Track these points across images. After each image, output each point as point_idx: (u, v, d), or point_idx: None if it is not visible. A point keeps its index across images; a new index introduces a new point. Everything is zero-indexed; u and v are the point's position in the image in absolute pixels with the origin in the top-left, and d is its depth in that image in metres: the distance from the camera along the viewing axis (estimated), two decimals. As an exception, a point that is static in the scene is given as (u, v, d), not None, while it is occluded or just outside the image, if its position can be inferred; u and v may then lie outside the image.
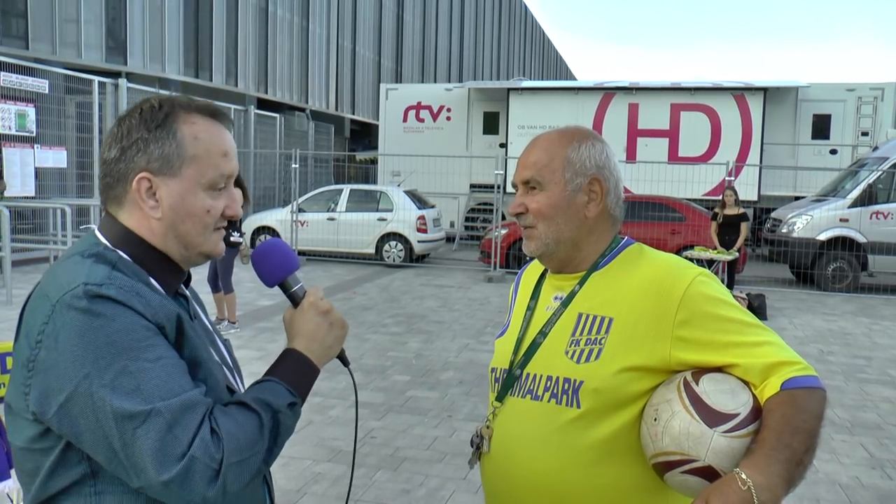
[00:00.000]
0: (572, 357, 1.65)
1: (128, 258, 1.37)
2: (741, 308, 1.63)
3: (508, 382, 1.76)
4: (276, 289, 1.58)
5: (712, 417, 1.48)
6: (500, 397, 1.77)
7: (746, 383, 1.54)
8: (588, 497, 1.62)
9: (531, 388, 1.71)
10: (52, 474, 1.28)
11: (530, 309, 1.83)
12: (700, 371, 1.56)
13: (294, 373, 1.44)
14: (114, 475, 1.27)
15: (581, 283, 1.74)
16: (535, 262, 1.91)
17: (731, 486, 1.39)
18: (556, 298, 1.77)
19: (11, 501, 2.54)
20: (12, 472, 2.46)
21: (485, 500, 1.86)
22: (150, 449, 1.20)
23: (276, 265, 1.56)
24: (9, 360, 2.56)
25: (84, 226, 13.64)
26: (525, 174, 1.77)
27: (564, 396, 1.64)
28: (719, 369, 1.57)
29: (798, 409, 1.48)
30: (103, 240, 1.40)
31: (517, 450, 1.70)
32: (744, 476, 1.39)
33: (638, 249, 1.78)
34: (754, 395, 1.52)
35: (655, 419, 1.54)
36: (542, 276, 1.87)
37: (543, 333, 1.74)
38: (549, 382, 1.67)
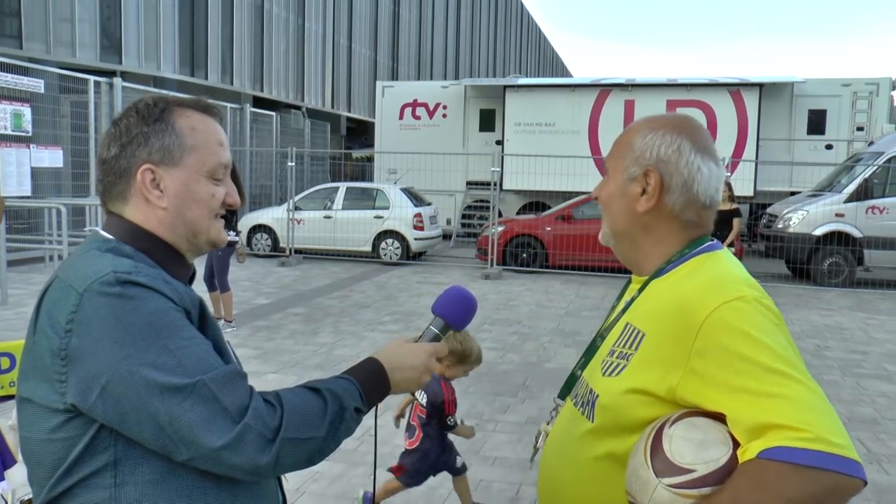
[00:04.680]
0: (603, 368, 1.57)
1: (140, 252, 1.40)
2: (776, 350, 1.34)
3: (570, 382, 1.72)
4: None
5: (663, 466, 1.31)
6: (562, 395, 1.74)
7: (735, 440, 1.32)
8: None
9: (578, 391, 1.66)
10: (77, 463, 1.29)
11: (612, 308, 1.77)
12: (690, 413, 1.38)
13: (373, 383, 1.48)
14: (136, 468, 1.29)
15: (640, 290, 1.61)
16: None
17: None
18: (627, 303, 1.66)
19: (6, 502, 2.54)
20: (7, 473, 2.46)
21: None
22: (200, 419, 1.23)
23: (467, 319, 1.67)
24: (3, 361, 2.55)
25: (88, 227, 13.63)
26: (606, 158, 1.69)
27: (586, 408, 1.57)
28: (716, 416, 1.36)
29: (758, 486, 1.23)
30: (111, 238, 1.42)
31: (547, 454, 1.68)
32: None
33: (706, 258, 1.57)
34: (734, 457, 1.30)
35: (633, 451, 1.42)
36: None
37: (602, 337, 1.66)
38: (585, 390, 1.61)
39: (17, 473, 2.53)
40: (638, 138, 1.59)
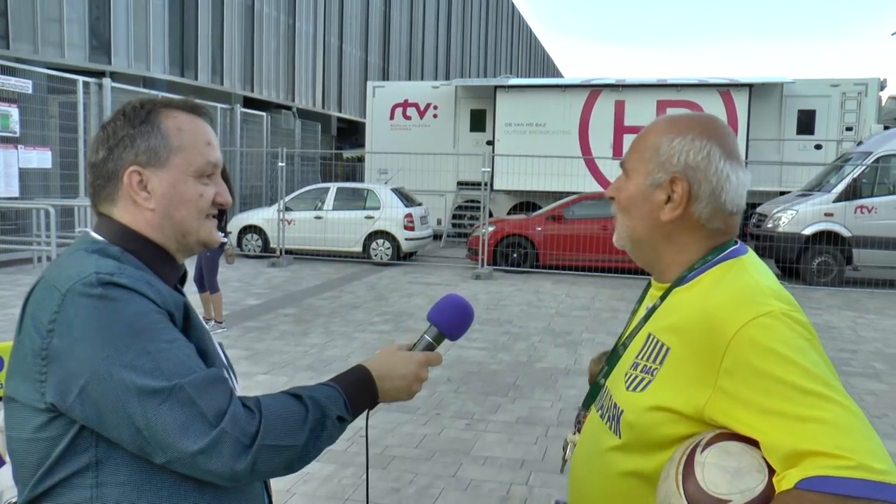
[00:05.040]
0: (627, 381, 1.49)
1: (128, 253, 1.41)
2: (808, 369, 1.25)
3: (594, 391, 1.67)
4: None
5: (696, 496, 1.25)
6: (586, 405, 1.68)
7: (770, 467, 1.24)
8: None
9: (602, 402, 1.59)
10: (58, 462, 1.29)
11: (633, 312, 1.69)
12: (723, 435, 1.30)
13: (359, 391, 1.47)
14: (117, 468, 1.29)
15: (662, 298, 1.53)
16: None
17: None
18: (647, 309, 1.58)
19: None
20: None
21: None
22: (176, 423, 1.23)
23: (463, 328, 1.63)
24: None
25: (79, 229, 13.57)
26: (624, 157, 1.59)
27: (612, 422, 1.50)
28: (751, 441, 1.27)
29: None
30: (100, 239, 1.43)
31: (575, 465, 1.63)
32: None
33: (731, 265, 1.48)
34: (771, 485, 1.22)
35: (662, 475, 1.36)
36: None
37: (624, 346, 1.58)
38: (609, 403, 1.54)
39: (5, 475, 2.51)
40: (664, 141, 1.50)
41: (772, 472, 1.23)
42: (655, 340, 1.46)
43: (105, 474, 1.29)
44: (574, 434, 1.72)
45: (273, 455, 1.29)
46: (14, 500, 2.46)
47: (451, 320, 1.62)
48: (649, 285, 1.66)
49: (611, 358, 1.61)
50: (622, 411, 1.45)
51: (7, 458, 2.51)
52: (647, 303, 1.60)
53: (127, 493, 1.29)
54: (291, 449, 1.32)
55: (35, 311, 1.31)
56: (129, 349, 1.24)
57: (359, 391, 1.46)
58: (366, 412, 1.51)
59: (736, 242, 1.53)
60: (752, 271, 1.45)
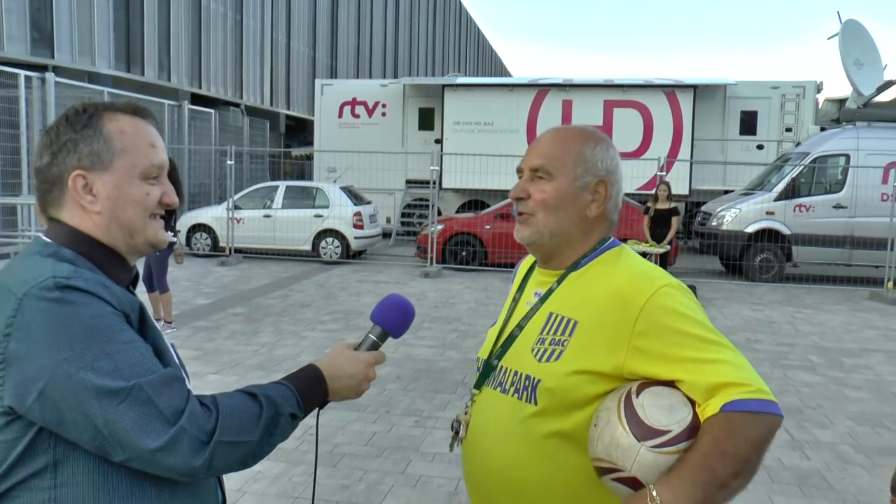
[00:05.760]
0: (536, 355, 1.69)
1: (81, 257, 1.43)
2: (704, 324, 1.60)
3: (486, 372, 1.83)
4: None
5: (643, 431, 1.49)
6: (478, 385, 1.84)
7: (692, 401, 1.53)
8: (544, 489, 1.67)
9: (502, 380, 1.76)
10: (16, 465, 1.31)
11: (515, 301, 1.89)
12: (647, 383, 1.56)
13: (310, 390, 1.53)
14: (75, 469, 1.32)
15: (559, 282, 1.77)
16: (530, 255, 1.95)
17: (641, 501, 1.44)
18: (535, 294, 1.81)
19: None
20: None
21: (465, 483, 1.92)
22: (135, 422, 1.27)
23: (404, 326, 1.73)
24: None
25: (22, 228, 13.29)
26: (536, 161, 1.77)
27: (525, 392, 1.68)
28: (669, 384, 1.56)
29: (732, 433, 1.46)
30: (52, 243, 1.45)
31: (484, 440, 1.77)
32: (654, 493, 1.43)
33: (617, 253, 1.78)
34: (696, 414, 1.51)
35: (595, 424, 1.57)
36: (531, 269, 1.92)
37: (520, 327, 1.78)
38: (515, 377, 1.72)
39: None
40: (586, 149, 1.75)
41: (693, 404, 1.53)
42: (560, 317, 1.70)
43: (63, 475, 1.32)
44: (465, 414, 1.84)
45: (229, 451, 1.35)
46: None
47: (394, 319, 1.71)
48: (527, 276, 1.90)
49: (505, 342, 1.80)
50: (539, 380, 1.66)
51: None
52: (535, 288, 1.82)
53: (84, 493, 1.32)
54: (247, 445, 1.38)
55: None
56: (88, 351, 1.27)
57: (310, 390, 1.52)
58: (316, 410, 1.57)
59: (609, 239, 1.82)
60: (636, 258, 1.77)
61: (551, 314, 1.72)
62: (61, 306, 1.29)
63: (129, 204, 1.47)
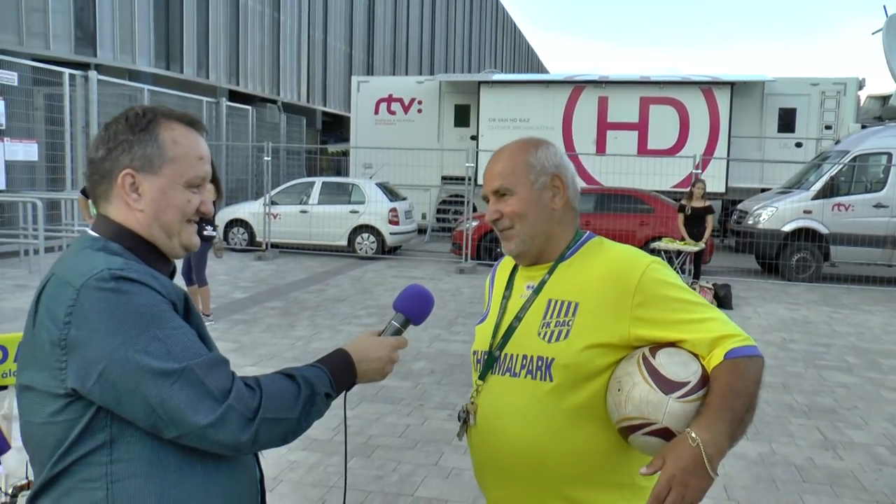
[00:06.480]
0: (544, 337, 1.87)
1: (127, 251, 1.53)
2: (688, 290, 1.87)
3: (489, 362, 1.98)
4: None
5: (667, 386, 1.71)
6: (483, 376, 1.99)
7: (696, 355, 1.77)
8: (563, 459, 1.84)
9: (510, 366, 1.92)
10: (76, 443, 1.42)
11: (506, 298, 2.05)
12: (656, 346, 1.79)
13: (342, 371, 1.64)
14: (129, 446, 1.43)
15: (550, 273, 1.96)
16: (508, 257, 2.12)
17: (683, 444, 1.61)
18: (528, 287, 1.99)
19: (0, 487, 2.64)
20: (2, 458, 2.56)
21: (473, 468, 2.06)
22: (187, 400, 1.38)
23: (425, 314, 1.87)
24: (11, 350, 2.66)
25: (65, 222, 13.57)
26: (494, 184, 1.98)
27: (539, 372, 1.85)
28: (672, 344, 1.79)
29: (739, 375, 1.70)
30: (99, 237, 1.55)
31: (500, 422, 1.91)
32: (693, 434, 1.61)
33: (599, 242, 2.00)
34: (703, 365, 1.75)
35: (619, 389, 1.76)
36: (515, 269, 2.09)
37: (518, 318, 1.95)
38: (524, 361, 1.89)
39: (12, 459, 2.63)
40: (530, 157, 1.97)
41: (698, 357, 1.77)
42: (560, 302, 1.90)
43: (118, 451, 1.42)
44: (472, 403, 1.99)
45: (272, 427, 1.46)
46: (21, 482, 2.58)
47: (415, 308, 1.84)
48: (513, 274, 2.08)
49: (506, 333, 1.97)
50: (552, 359, 1.85)
51: (12, 444, 2.63)
52: (526, 282, 2.01)
53: (138, 467, 1.43)
54: (288, 422, 1.49)
55: (50, 306, 1.43)
56: (142, 336, 1.38)
57: (342, 371, 1.64)
58: (343, 393, 1.68)
59: (585, 233, 2.04)
60: (617, 244, 2.00)
61: (551, 300, 1.92)
62: (117, 295, 1.39)
63: (170, 208, 1.57)
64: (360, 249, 15.29)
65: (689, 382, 1.71)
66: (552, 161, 1.99)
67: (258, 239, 15.48)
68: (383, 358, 1.72)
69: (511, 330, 1.96)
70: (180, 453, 1.45)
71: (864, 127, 17.25)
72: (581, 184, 2.08)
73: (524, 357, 1.89)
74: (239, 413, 1.41)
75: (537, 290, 1.96)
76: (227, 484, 1.53)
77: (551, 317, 1.89)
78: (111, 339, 1.37)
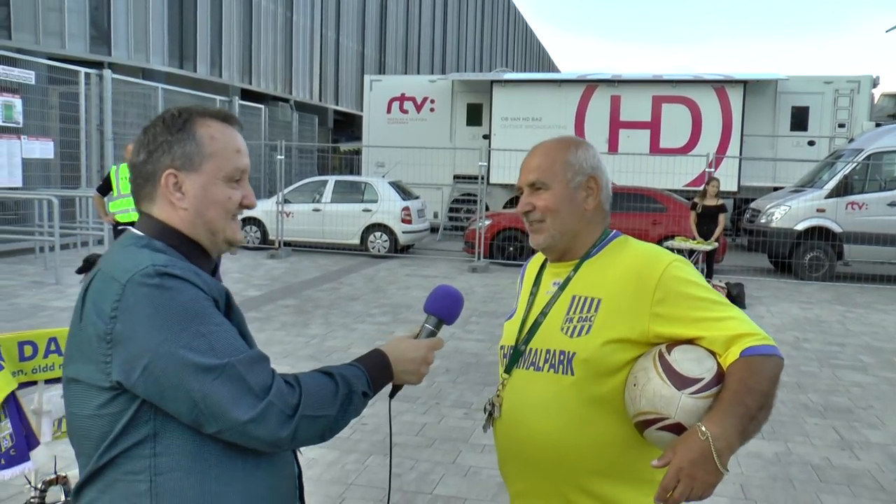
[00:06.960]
0: (567, 332, 1.91)
1: (171, 248, 1.56)
2: (709, 289, 1.88)
3: (514, 357, 2.03)
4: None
5: (681, 382, 1.73)
6: (508, 370, 2.04)
7: (713, 353, 1.79)
8: (583, 452, 1.88)
9: (534, 360, 1.97)
10: (121, 435, 1.45)
11: (533, 294, 2.10)
12: (673, 343, 1.82)
13: (379, 371, 1.67)
14: (172, 439, 1.45)
15: (575, 270, 2.01)
16: (537, 255, 2.18)
17: (692, 438, 1.64)
18: (554, 284, 2.04)
19: (29, 483, 2.69)
20: (31, 453, 2.60)
21: (498, 458, 2.10)
22: (229, 396, 1.41)
23: (456, 313, 1.89)
24: (27, 349, 2.70)
25: (80, 220, 13.64)
26: (530, 177, 2.03)
27: (561, 366, 1.90)
28: (690, 341, 1.81)
29: (753, 372, 1.72)
30: (143, 235, 1.58)
31: (523, 414, 1.96)
32: (703, 429, 1.64)
33: (624, 240, 2.04)
34: (719, 363, 1.77)
35: (635, 384, 1.80)
36: (543, 266, 2.13)
37: (544, 314, 2.00)
38: (548, 355, 1.94)
39: (41, 454, 2.67)
40: (570, 155, 2.01)
41: (715, 355, 1.79)
42: (583, 298, 1.94)
43: (161, 444, 1.45)
44: (497, 396, 2.04)
45: (311, 424, 1.49)
46: (50, 477, 2.63)
47: (446, 308, 1.87)
48: (541, 271, 2.12)
49: (531, 328, 2.02)
50: (574, 353, 1.89)
51: (41, 439, 2.67)
52: (553, 279, 2.06)
53: (180, 461, 1.46)
54: (326, 419, 1.52)
55: (96, 300, 1.46)
56: (186, 331, 1.41)
57: (379, 371, 1.67)
58: (388, 400, 1.72)
59: (612, 231, 2.08)
60: (640, 242, 2.03)
61: (574, 297, 1.96)
62: (161, 291, 1.42)
63: (212, 204, 1.61)
64: (373, 248, 15.34)
65: (702, 379, 1.73)
66: (590, 162, 2.03)
67: (271, 237, 15.53)
68: (418, 359, 1.75)
69: (536, 325, 2.00)
70: (221, 448, 1.48)
71: (878, 125, 17.16)
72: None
73: (547, 351, 1.94)
74: (279, 410, 1.44)
75: (562, 287, 2.00)
76: (267, 479, 1.56)
77: (574, 312, 1.93)
78: (155, 335, 1.40)
